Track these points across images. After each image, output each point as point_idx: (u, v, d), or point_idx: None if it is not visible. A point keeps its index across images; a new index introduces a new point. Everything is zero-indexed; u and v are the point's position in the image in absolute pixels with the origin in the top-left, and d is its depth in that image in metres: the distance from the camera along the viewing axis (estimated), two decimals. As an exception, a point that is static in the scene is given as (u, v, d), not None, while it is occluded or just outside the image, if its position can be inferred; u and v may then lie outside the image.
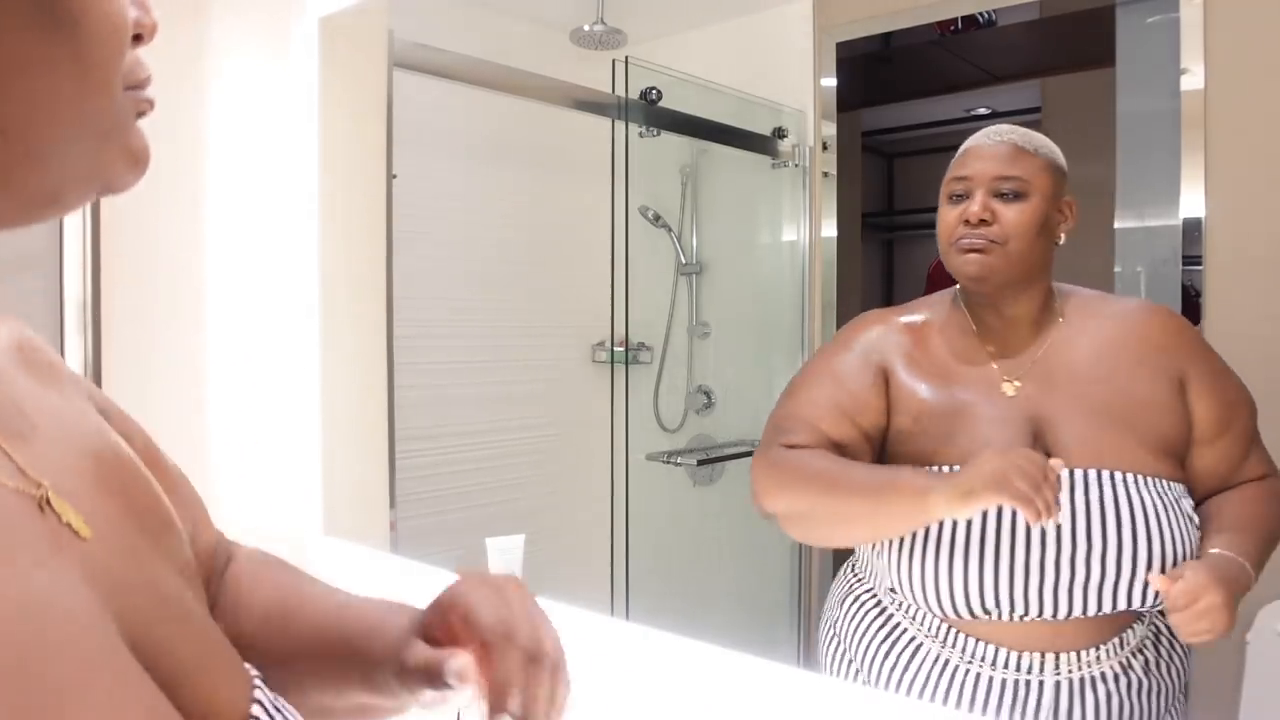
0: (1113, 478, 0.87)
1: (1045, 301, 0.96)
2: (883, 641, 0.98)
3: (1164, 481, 0.88)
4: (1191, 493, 0.91)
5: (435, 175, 1.75)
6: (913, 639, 0.96)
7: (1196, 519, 0.89)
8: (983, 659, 0.90)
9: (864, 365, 0.98)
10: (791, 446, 0.96)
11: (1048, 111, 2.25)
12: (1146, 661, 0.90)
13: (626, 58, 1.78)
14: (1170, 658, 0.91)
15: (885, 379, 0.98)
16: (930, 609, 0.92)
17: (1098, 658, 0.88)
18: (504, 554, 1.23)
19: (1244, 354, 1.11)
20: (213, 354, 1.47)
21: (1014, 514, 0.88)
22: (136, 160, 0.39)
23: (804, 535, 1.03)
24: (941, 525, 0.90)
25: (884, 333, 1.00)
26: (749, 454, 2.07)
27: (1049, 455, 0.89)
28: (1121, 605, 0.86)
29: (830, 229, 2.01)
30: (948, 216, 0.94)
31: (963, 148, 0.96)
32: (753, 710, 0.94)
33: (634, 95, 1.82)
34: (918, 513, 0.84)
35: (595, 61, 1.81)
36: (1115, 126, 1.56)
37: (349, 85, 1.51)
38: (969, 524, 0.89)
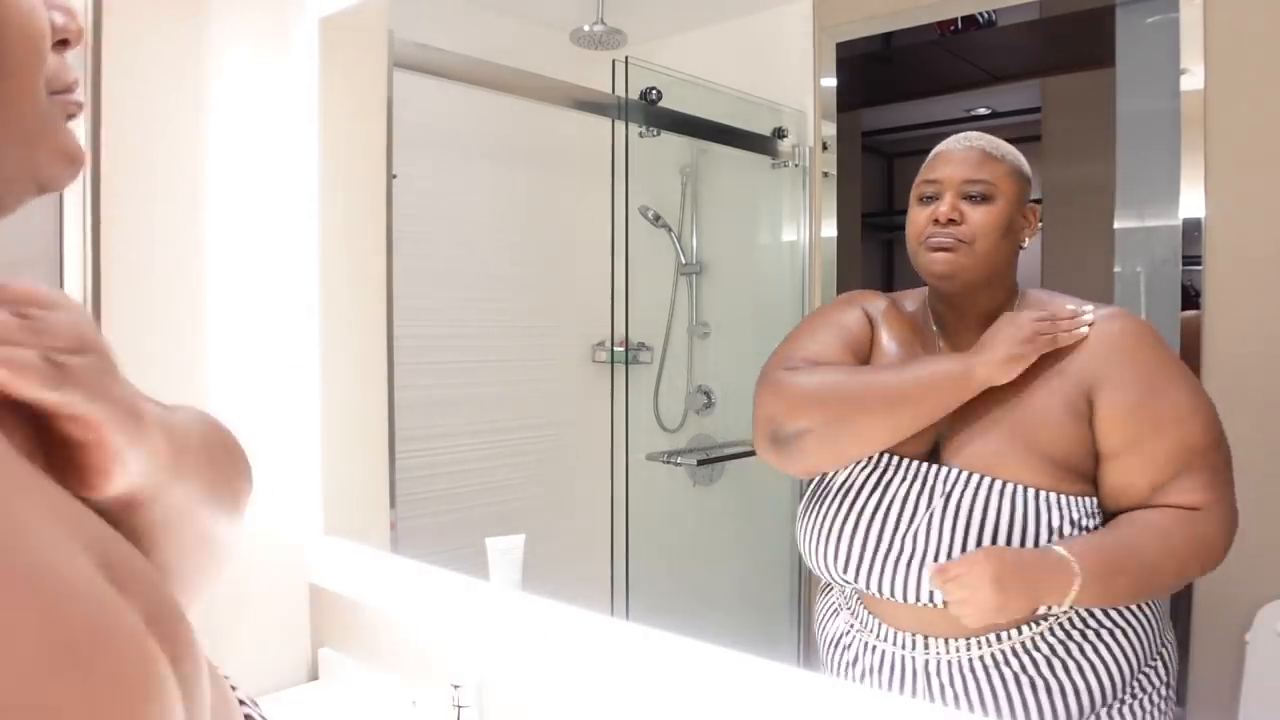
0: (969, 479, 0.92)
1: (1002, 304, 0.99)
2: (824, 607, 1.09)
3: (1040, 493, 0.88)
4: (1103, 508, 0.91)
5: (435, 175, 1.75)
6: (836, 607, 1.05)
7: (1071, 532, 0.88)
8: (870, 629, 0.98)
9: (861, 319, 1.06)
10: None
11: (1048, 111, 2.25)
12: (1034, 661, 0.90)
13: (626, 58, 1.78)
14: (1094, 660, 0.90)
15: (872, 336, 1.06)
16: (816, 570, 1.03)
17: (968, 646, 0.91)
18: (504, 554, 1.23)
19: (1244, 354, 1.11)
20: (213, 354, 1.47)
21: (882, 495, 0.96)
22: (70, 160, 0.40)
23: (820, 451, 1.00)
24: (830, 494, 1.00)
25: (874, 304, 1.08)
26: (749, 454, 2.07)
27: (940, 453, 0.96)
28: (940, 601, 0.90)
29: (830, 229, 2.01)
30: (917, 217, 0.99)
31: (933, 152, 1.01)
32: (753, 710, 0.94)
33: (634, 95, 1.82)
34: (964, 389, 0.92)
35: (595, 61, 1.81)
36: (1115, 126, 1.56)
37: (349, 85, 1.51)
38: (851, 497, 0.98)
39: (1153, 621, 0.94)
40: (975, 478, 0.92)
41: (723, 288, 2.09)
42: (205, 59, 1.46)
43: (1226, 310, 1.39)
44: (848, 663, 1.02)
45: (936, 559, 0.91)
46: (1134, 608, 0.92)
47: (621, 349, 1.92)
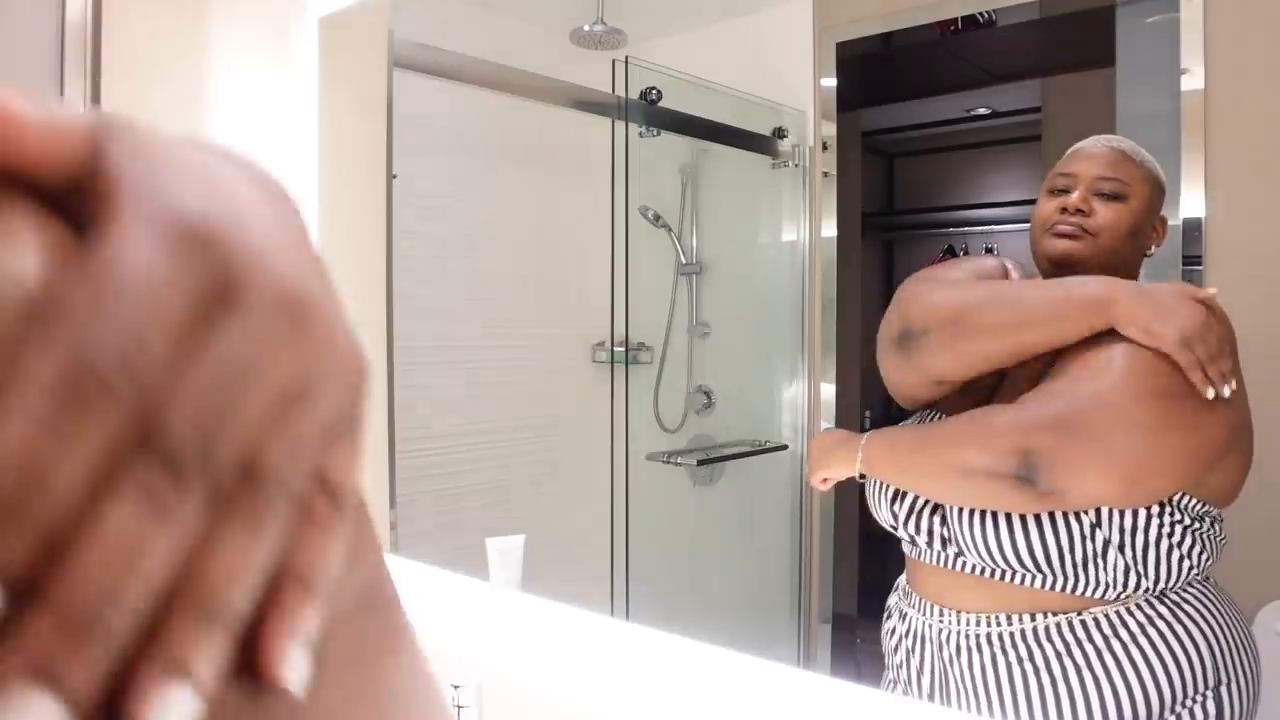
0: None
1: None
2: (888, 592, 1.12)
3: None
4: None
5: (435, 175, 1.75)
6: (897, 583, 1.09)
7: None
8: (904, 598, 1.03)
9: (1000, 266, 1.08)
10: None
11: (1048, 111, 2.25)
12: (1044, 654, 0.88)
13: (626, 58, 1.78)
14: (1112, 670, 0.86)
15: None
16: (872, 509, 1.05)
17: (977, 621, 0.92)
18: (504, 554, 1.23)
19: (1243, 354, 1.11)
20: (213, 354, 1.47)
21: None
22: None
23: (937, 354, 0.97)
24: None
25: (995, 263, 1.09)
26: (749, 454, 2.08)
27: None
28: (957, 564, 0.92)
29: (830, 229, 2.01)
30: (1046, 206, 0.98)
31: (1071, 150, 1.02)
32: (753, 710, 0.94)
33: (634, 95, 1.82)
34: (1099, 322, 0.88)
35: (595, 61, 1.81)
36: (1115, 127, 1.56)
37: (349, 85, 1.51)
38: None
39: (1210, 647, 0.88)
40: None
41: (723, 288, 2.09)
42: (205, 59, 1.46)
43: (1226, 310, 1.39)
44: (888, 631, 1.05)
45: (953, 521, 0.93)
46: (1182, 628, 0.87)
47: (621, 349, 1.92)
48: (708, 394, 2.07)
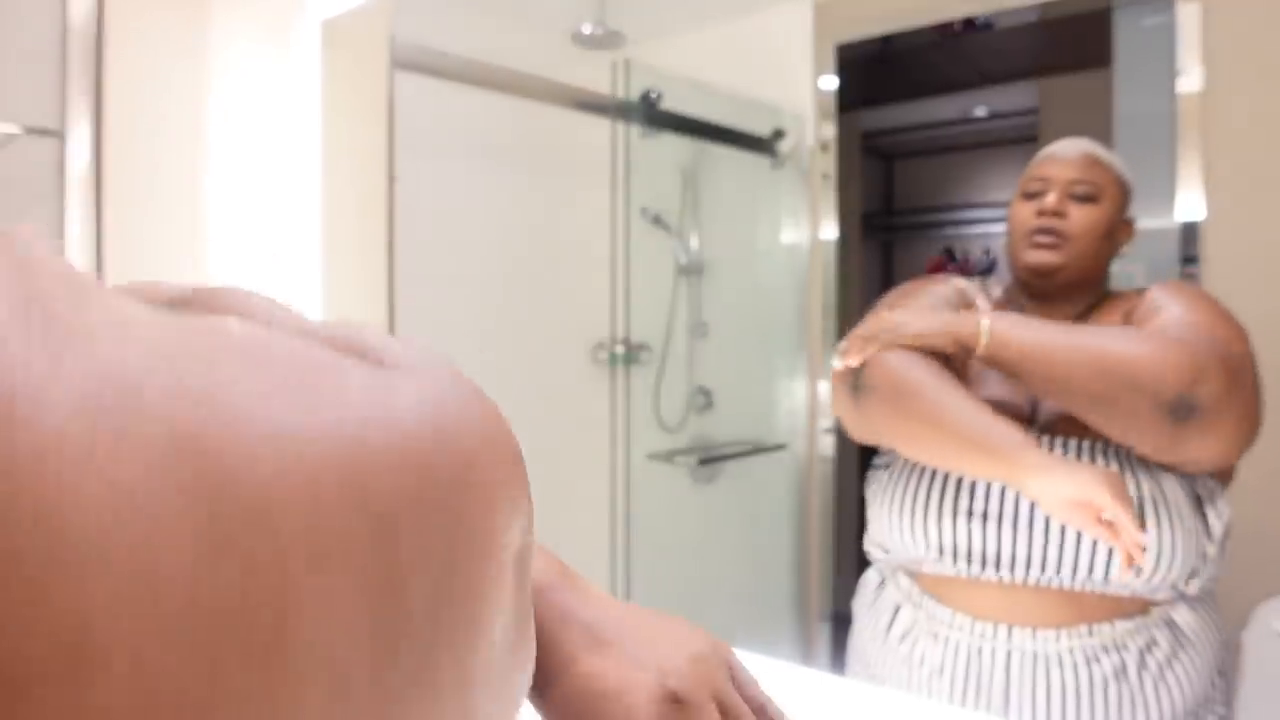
0: (1077, 446, 0.90)
1: (1091, 306, 1.00)
2: (871, 607, 1.03)
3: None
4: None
5: (436, 177, 1.76)
6: (896, 604, 1.00)
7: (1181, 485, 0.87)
8: (944, 621, 0.94)
9: (956, 292, 1.07)
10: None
11: (1046, 113, 2.25)
12: (1124, 665, 0.86)
13: (627, 59, 1.78)
14: (1162, 674, 0.86)
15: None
16: (904, 540, 0.96)
17: (1056, 638, 0.87)
18: (505, 553, 1.23)
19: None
20: (215, 355, 1.48)
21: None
22: None
23: (884, 417, 0.97)
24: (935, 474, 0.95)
25: (965, 285, 1.09)
26: (749, 453, 2.08)
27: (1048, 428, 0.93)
28: (1060, 570, 0.87)
29: (830, 230, 2.02)
30: (1022, 211, 1.00)
31: (1041, 154, 1.04)
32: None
33: (634, 97, 1.82)
34: (1008, 481, 0.87)
35: (596, 63, 1.81)
36: (1113, 128, 1.56)
37: (350, 88, 1.52)
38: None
39: (1219, 623, 0.92)
40: (1085, 444, 0.90)
41: (723, 288, 2.10)
42: (207, 61, 1.47)
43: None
44: (915, 659, 0.97)
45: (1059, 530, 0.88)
46: (1211, 610, 0.90)
47: (621, 349, 1.92)
48: (708, 394, 2.08)
